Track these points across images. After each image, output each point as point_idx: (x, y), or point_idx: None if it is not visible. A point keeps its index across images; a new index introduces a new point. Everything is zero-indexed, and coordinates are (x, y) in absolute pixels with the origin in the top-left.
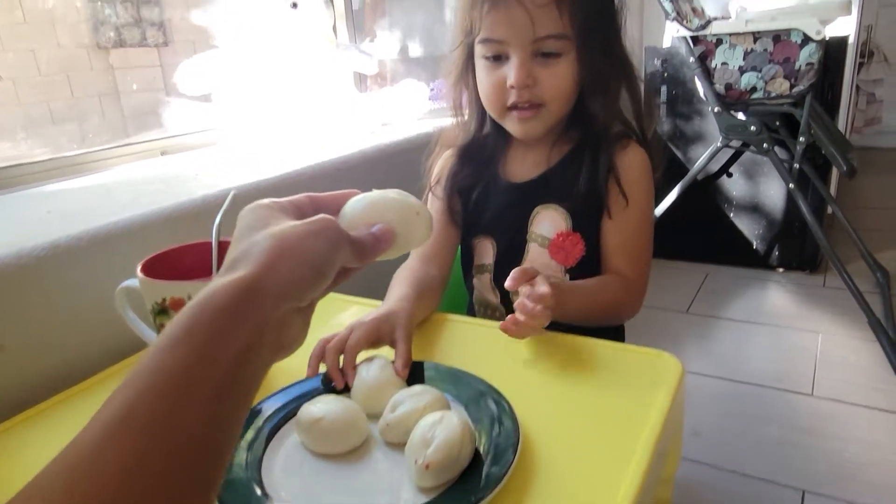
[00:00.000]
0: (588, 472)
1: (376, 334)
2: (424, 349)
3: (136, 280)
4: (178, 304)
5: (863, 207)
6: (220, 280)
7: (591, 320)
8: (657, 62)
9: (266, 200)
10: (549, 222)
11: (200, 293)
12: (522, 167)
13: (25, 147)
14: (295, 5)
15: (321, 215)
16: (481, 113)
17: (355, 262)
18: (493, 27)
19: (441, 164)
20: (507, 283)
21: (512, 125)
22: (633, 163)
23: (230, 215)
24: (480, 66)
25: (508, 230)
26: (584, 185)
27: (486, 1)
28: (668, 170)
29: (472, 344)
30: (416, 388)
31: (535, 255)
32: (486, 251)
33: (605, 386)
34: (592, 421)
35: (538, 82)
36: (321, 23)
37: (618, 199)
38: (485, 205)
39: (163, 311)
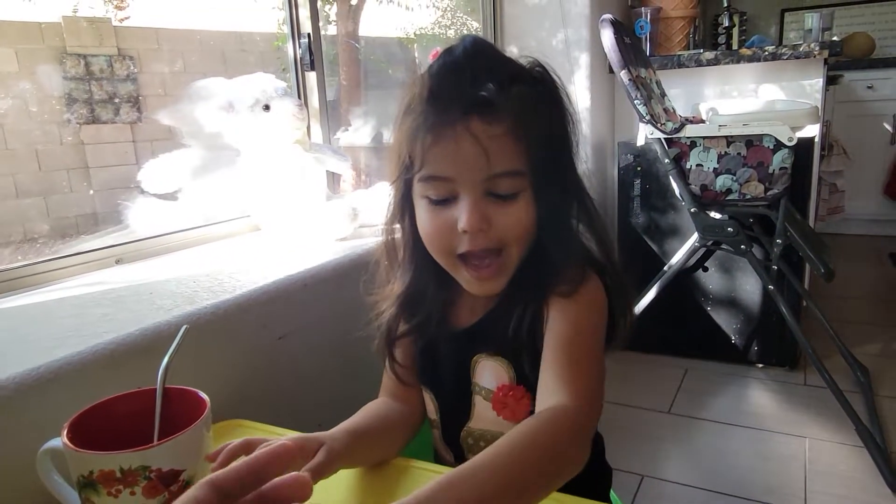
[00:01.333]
0: None
1: (301, 443)
2: (382, 497)
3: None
4: (107, 477)
5: (834, 297)
6: None
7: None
8: (630, 157)
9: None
10: (489, 373)
11: None
12: (463, 311)
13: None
14: (267, 108)
15: None
16: (419, 258)
17: None
18: (438, 162)
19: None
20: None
21: (468, 283)
22: (590, 292)
23: (180, 354)
24: (422, 206)
25: (451, 382)
26: (523, 330)
27: (429, 131)
28: (643, 264)
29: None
30: None
31: (482, 409)
32: (431, 406)
33: None
34: None
35: (493, 225)
36: (294, 125)
37: (563, 328)
38: (426, 354)
39: (89, 484)
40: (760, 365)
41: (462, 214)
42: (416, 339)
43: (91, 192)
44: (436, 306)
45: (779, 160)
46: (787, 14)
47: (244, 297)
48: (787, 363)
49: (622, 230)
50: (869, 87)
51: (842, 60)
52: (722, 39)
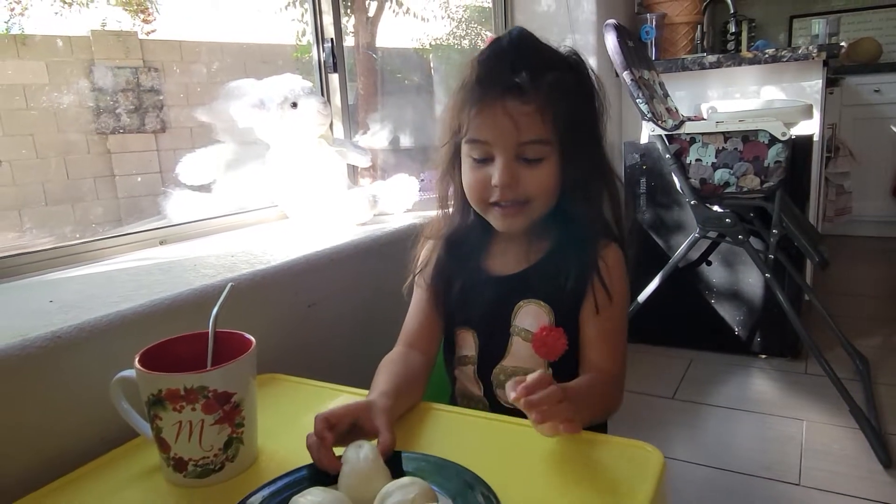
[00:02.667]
0: None
1: (353, 416)
2: (409, 439)
3: (133, 371)
4: (173, 394)
5: (839, 294)
6: None
7: (590, 422)
8: (636, 156)
9: None
10: (531, 317)
11: None
12: (504, 261)
13: (29, 237)
14: (295, 105)
15: None
16: (465, 206)
17: None
18: (479, 129)
19: (426, 253)
20: (511, 397)
21: (494, 219)
22: (614, 263)
23: (227, 307)
24: (466, 163)
25: (491, 323)
26: (568, 282)
27: (474, 105)
28: (649, 258)
29: (457, 434)
30: (405, 479)
31: (518, 348)
32: (468, 343)
33: (588, 477)
34: None
35: (521, 183)
36: (318, 121)
37: (602, 296)
38: (467, 297)
39: (158, 401)
40: (763, 356)
41: (496, 172)
42: (458, 277)
43: (117, 199)
44: (478, 248)
45: (773, 154)
46: (795, 21)
47: (278, 268)
48: (789, 354)
49: (629, 226)
50: (876, 91)
51: (849, 65)
52: (731, 46)
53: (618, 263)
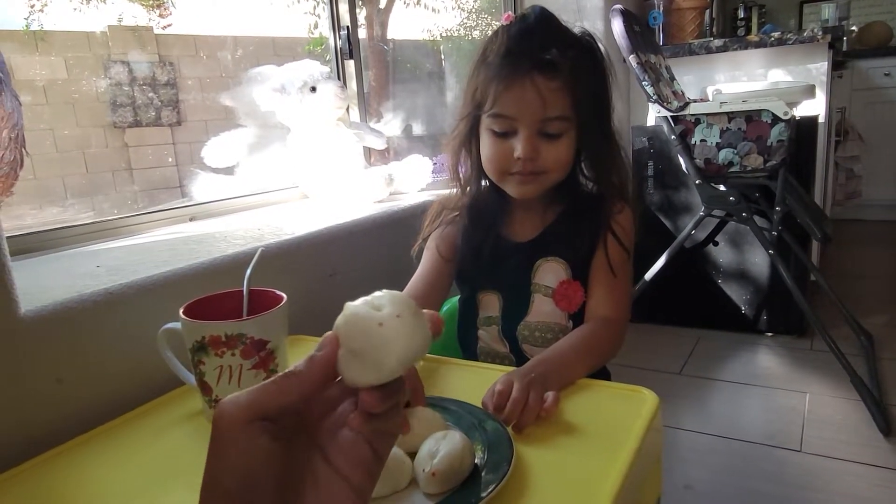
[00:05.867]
0: (571, 486)
1: None
2: (429, 389)
3: (177, 323)
4: (215, 341)
5: (848, 276)
6: None
7: (587, 372)
8: (644, 140)
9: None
10: (551, 274)
11: None
12: (522, 228)
13: (70, 212)
14: (314, 89)
15: None
16: (480, 177)
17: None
18: (506, 104)
19: (438, 221)
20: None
21: (511, 187)
22: (625, 222)
23: (258, 269)
24: (487, 136)
25: (514, 285)
26: (583, 240)
27: (504, 80)
28: (657, 238)
29: (468, 382)
30: (440, 433)
31: (540, 304)
32: (493, 304)
33: (588, 416)
34: (576, 445)
35: (541, 156)
36: (336, 104)
37: (617, 251)
38: (492, 263)
39: (201, 347)
40: (770, 333)
41: (519, 145)
42: (483, 245)
43: (134, 192)
44: (499, 216)
45: (776, 134)
46: (805, 6)
47: (301, 239)
48: (795, 332)
49: (637, 208)
50: (886, 75)
51: (859, 49)
52: (742, 31)
53: (628, 222)
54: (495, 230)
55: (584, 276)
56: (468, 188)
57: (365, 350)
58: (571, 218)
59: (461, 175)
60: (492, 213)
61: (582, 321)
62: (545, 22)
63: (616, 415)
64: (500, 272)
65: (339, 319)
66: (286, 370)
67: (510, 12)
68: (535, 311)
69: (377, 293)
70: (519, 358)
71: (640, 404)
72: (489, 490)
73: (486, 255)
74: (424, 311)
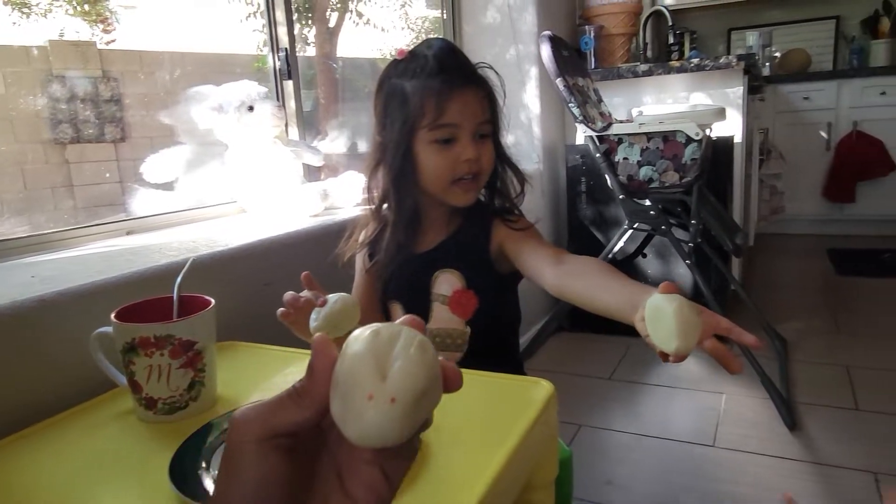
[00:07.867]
0: (460, 465)
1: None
2: None
3: (109, 328)
4: (145, 342)
5: (771, 286)
6: None
7: None
8: (577, 157)
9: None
10: (447, 284)
11: None
12: (424, 239)
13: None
14: (251, 109)
15: None
16: (401, 196)
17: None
18: (451, 113)
19: (349, 235)
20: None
21: (456, 196)
22: (516, 219)
23: (193, 279)
24: (430, 149)
25: (415, 294)
26: (475, 248)
27: (446, 92)
28: (590, 250)
29: None
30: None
31: (439, 312)
32: (397, 314)
33: (486, 405)
34: (471, 428)
35: (479, 157)
36: (273, 123)
37: (517, 225)
38: (395, 274)
39: (132, 348)
40: None
41: (467, 149)
42: (391, 259)
43: (76, 208)
44: (407, 228)
45: (690, 152)
46: (733, 33)
47: (235, 251)
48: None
49: (571, 222)
50: (805, 98)
51: (781, 74)
52: (675, 56)
53: (519, 218)
54: (399, 241)
55: (480, 283)
56: (383, 205)
57: (345, 406)
58: (468, 227)
59: (374, 193)
60: (402, 226)
61: (478, 326)
62: (453, 46)
63: (511, 404)
64: (403, 282)
65: (342, 354)
66: (296, 386)
67: (403, 47)
68: (434, 318)
69: (406, 334)
70: None
71: (535, 394)
72: None
73: (390, 265)
74: (442, 364)
